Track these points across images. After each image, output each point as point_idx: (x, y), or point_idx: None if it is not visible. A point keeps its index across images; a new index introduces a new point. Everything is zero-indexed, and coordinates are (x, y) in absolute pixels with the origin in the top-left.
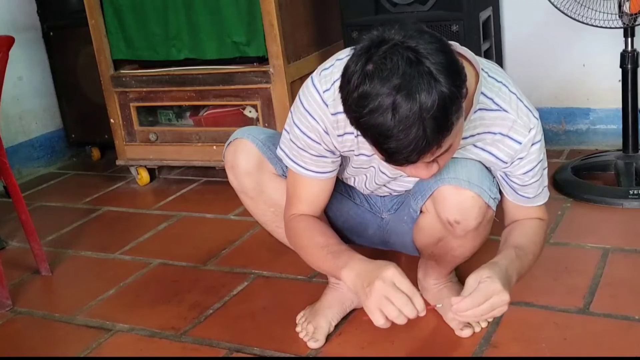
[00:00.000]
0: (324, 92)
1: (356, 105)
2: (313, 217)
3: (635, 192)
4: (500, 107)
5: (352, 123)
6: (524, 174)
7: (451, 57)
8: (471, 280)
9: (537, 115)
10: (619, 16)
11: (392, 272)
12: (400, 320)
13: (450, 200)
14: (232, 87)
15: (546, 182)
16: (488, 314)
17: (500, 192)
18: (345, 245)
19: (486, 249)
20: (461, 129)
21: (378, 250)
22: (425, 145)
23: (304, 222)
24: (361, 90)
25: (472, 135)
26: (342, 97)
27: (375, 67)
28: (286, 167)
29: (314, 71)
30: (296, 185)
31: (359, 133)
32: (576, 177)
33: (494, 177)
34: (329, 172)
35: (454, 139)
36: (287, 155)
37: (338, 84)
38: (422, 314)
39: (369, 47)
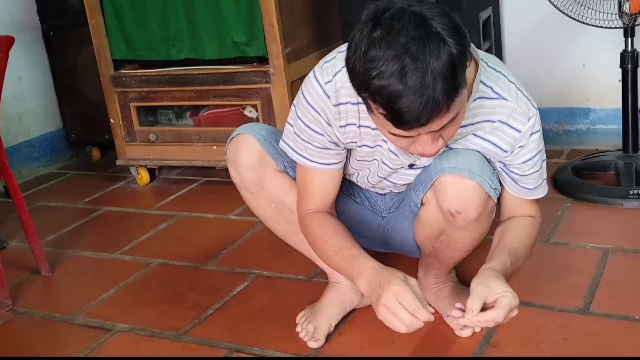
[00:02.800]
0: (325, 83)
1: (365, 69)
2: (325, 213)
3: (635, 192)
4: (500, 95)
5: (360, 92)
6: (523, 162)
7: (455, 20)
8: (482, 291)
9: (535, 105)
10: (619, 16)
11: (394, 290)
12: (411, 331)
13: (451, 190)
14: (232, 87)
15: (545, 175)
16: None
17: (501, 186)
18: (356, 247)
19: (486, 248)
20: (465, 100)
21: (379, 253)
22: (436, 105)
23: (316, 222)
24: (370, 54)
25: (472, 124)
26: (348, 67)
27: (384, 31)
28: (288, 162)
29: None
30: (305, 179)
31: (360, 124)
32: (576, 177)
33: (494, 169)
34: (334, 164)
35: (460, 107)
36: (291, 148)
37: (340, 75)
38: (430, 320)
39: (375, 13)
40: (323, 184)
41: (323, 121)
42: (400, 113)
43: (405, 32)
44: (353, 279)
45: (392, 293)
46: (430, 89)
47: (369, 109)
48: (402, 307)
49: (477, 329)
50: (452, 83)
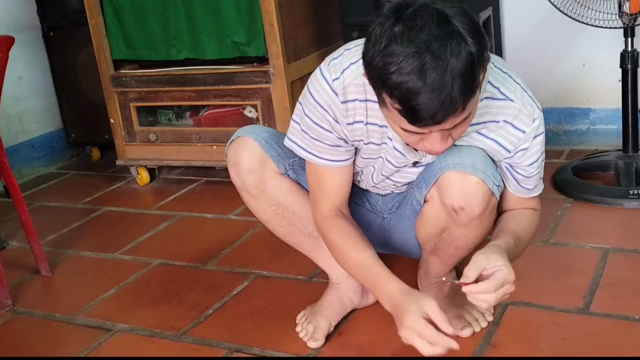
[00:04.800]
0: (333, 80)
1: (384, 63)
2: (341, 218)
3: (635, 192)
4: (506, 97)
5: (377, 86)
6: (529, 165)
7: (474, 19)
8: (480, 260)
9: (540, 107)
10: (619, 16)
11: (408, 325)
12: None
13: (455, 186)
14: (232, 87)
15: (542, 174)
16: (497, 300)
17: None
18: (376, 265)
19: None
20: (478, 100)
21: (380, 255)
22: (452, 104)
23: (333, 231)
24: (390, 49)
25: (478, 123)
26: (366, 60)
27: (405, 26)
28: (289, 165)
29: (315, 70)
30: (317, 178)
31: (367, 121)
32: (576, 177)
33: (497, 167)
34: (345, 160)
35: (473, 107)
36: (299, 145)
37: (347, 72)
38: (453, 347)
39: (398, 8)
40: (335, 182)
41: (331, 118)
42: (417, 110)
43: (427, 29)
44: (376, 297)
45: (407, 328)
46: (448, 88)
47: (383, 103)
48: (421, 339)
49: (477, 329)
50: (470, 83)
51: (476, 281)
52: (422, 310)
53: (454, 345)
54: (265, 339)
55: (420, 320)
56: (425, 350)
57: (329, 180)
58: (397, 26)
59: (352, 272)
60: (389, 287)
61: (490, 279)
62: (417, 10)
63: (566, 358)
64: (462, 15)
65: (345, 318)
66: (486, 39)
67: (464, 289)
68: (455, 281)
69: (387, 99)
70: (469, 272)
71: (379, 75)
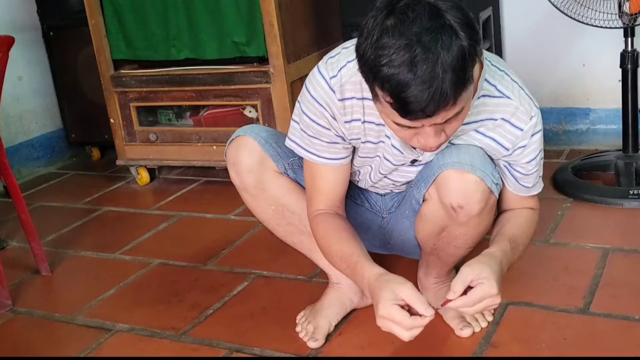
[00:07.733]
0: (330, 78)
1: (375, 56)
2: (331, 215)
3: (635, 192)
4: (503, 94)
5: (369, 79)
6: (527, 162)
7: (468, 14)
8: (467, 273)
9: (537, 105)
10: (619, 16)
11: (382, 314)
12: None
13: (454, 184)
14: (232, 87)
15: (542, 172)
16: (477, 311)
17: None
18: (357, 253)
19: (487, 247)
20: (471, 96)
21: (380, 255)
22: (443, 97)
23: (322, 225)
24: (381, 42)
25: (475, 121)
26: (359, 53)
27: (397, 19)
28: (288, 164)
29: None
30: (313, 176)
31: (364, 120)
32: (576, 177)
33: (495, 165)
34: (343, 158)
35: (465, 102)
36: (298, 145)
37: (345, 70)
38: (430, 319)
39: (390, 2)
40: (332, 181)
41: (328, 115)
42: (407, 102)
43: (418, 22)
44: (359, 286)
45: (381, 318)
46: (439, 81)
47: (376, 96)
48: (397, 326)
49: (477, 329)
50: (461, 76)
51: (465, 292)
52: (396, 295)
53: (428, 320)
54: (265, 339)
55: (393, 308)
56: (404, 336)
57: (324, 178)
58: (389, 19)
59: (336, 265)
60: (366, 273)
61: (469, 294)
62: (409, 3)
63: (566, 358)
64: (454, 9)
65: (345, 318)
66: (479, 33)
67: (446, 306)
68: (439, 307)
69: (379, 92)
70: (455, 287)
71: (370, 68)
